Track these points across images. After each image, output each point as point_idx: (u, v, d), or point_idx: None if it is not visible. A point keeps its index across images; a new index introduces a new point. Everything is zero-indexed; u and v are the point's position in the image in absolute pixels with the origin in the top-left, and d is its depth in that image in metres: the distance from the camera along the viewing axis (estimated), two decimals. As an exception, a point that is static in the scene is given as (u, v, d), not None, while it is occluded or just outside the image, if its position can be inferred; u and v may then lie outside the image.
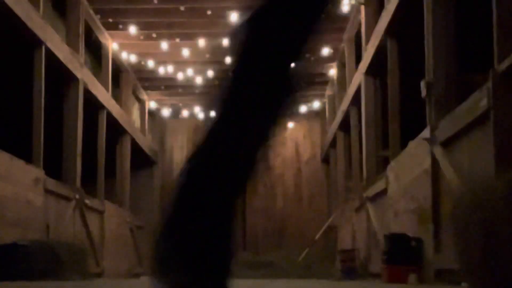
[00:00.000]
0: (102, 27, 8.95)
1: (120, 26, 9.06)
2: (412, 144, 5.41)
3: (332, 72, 10.97)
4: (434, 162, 4.71)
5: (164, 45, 9.60)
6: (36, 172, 6.15)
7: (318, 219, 12.70)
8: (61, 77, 7.42)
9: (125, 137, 10.60)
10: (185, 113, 13.30)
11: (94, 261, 8.20)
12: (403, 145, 5.92)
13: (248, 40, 1.25)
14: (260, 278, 9.11)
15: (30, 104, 6.36)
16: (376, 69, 7.41)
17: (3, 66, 7.52)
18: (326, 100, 12.32)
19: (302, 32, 1.30)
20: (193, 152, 1.21)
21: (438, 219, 4.67)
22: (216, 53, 10.17)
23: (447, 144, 4.48)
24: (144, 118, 12.38)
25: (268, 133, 1.21)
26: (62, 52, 7.04)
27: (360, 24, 8.07)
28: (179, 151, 13.62)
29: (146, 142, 12.15)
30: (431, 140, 4.73)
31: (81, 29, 7.84)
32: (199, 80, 11.20)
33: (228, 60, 10.18)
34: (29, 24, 6.05)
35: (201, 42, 9.49)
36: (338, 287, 5.00)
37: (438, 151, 4.61)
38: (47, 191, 6.46)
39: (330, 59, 10.50)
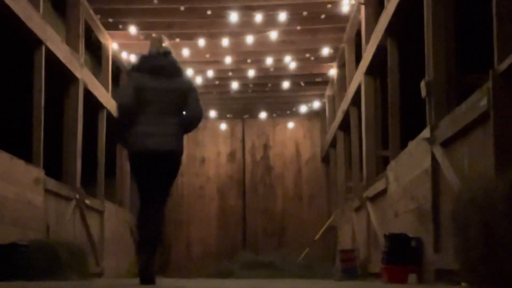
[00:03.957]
0: (102, 27, 8.95)
1: (120, 26, 9.06)
2: (412, 144, 5.41)
3: (332, 72, 10.98)
4: (434, 162, 4.71)
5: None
6: (36, 172, 6.15)
7: (318, 219, 12.71)
8: (61, 77, 7.42)
9: (125, 137, 10.59)
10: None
11: (94, 261, 8.20)
12: (403, 145, 5.92)
13: None
14: (260, 278, 9.11)
15: (30, 104, 6.36)
16: (376, 69, 7.41)
17: (3, 66, 7.52)
18: (326, 100, 12.33)
19: None
20: None
21: (438, 219, 4.68)
22: (216, 53, 10.18)
23: (447, 144, 4.48)
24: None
25: None
26: (62, 52, 7.05)
27: (360, 24, 8.07)
28: (179, 151, 13.61)
29: (146, 142, 12.15)
30: (431, 140, 4.73)
31: (81, 29, 7.84)
32: (199, 80, 11.20)
33: (227, 60, 10.22)
34: (29, 24, 6.05)
35: (201, 42, 9.49)
36: (338, 287, 5.00)
37: (438, 151, 4.61)
38: (47, 191, 6.46)
39: (330, 59, 10.50)
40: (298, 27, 9.27)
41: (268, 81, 11.74)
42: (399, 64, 6.39)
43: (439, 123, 4.64)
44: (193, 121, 5.20)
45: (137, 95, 5.03)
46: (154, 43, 5.33)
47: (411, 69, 6.09)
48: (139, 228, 5.11)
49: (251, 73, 10.96)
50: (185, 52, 9.88)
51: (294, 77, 11.40)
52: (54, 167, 7.08)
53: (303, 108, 13.17)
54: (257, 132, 13.73)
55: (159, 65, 5.14)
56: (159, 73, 5.11)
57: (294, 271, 10.33)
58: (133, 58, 10.15)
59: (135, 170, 5.21)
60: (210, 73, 11.02)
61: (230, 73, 11.25)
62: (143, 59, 5.24)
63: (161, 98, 5.07)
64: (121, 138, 5.36)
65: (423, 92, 4.89)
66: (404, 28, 6.25)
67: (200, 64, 10.69)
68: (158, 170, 5.07)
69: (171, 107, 5.10)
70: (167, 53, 5.24)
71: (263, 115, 13.53)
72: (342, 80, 10.12)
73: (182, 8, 8.59)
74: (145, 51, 5.46)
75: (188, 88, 5.17)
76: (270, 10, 8.71)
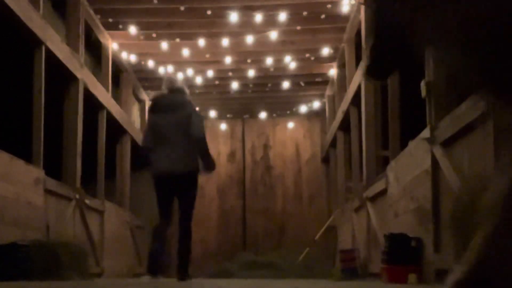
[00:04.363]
0: (102, 27, 8.96)
1: (120, 26, 9.06)
2: (412, 144, 5.41)
3: (332, 72, 10.98)
4: (434, 162, 4.71)
5: (164, 45, 9.60)
6: (36, 172, 6.15)
7: (318, 219, 12.70)
8: (61, 77, 7.42)
9: (125, 137, 10.60)
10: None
11: (94, 261, 8.20)
12: (403, 145, 5.92)
13: None
14: (260, 278, 9.11)
15: (30, 104, 6.36)
16: (376, 69, 7.39)
17: (3, 66, 7.52)
18: (326, 100, 12.33)
19: None
20: None
21: (438, 219, 4.68)
22: (216, 53, 10.18)
23: (447, 144, 4.48)
24: (144, 118, 12.38)
25: None
26: (62, 52, 7.04)
27: (360, 24, 8.07)
28: (179, 151, 13.60)
29: (146, 142, 12.15)
30: (431, 140, 4.73)
31: (81, 29, 7.84)
32: (199, 80, 11.20)
33: (227, 60, 10.22)
34: (29, 24, 6.05)
35: (201, 42, 9.49)
36: (338, 287, 5.00)
37: (438, 151, 4.61)
38: (47, 191, 6.46)
39: (330, 59, 10.50)
40: (298, 27, 9.27)
41: (268, 81, 11.74)
42: (399, 64, 6.37)
43: (439, 123, 4.64)
44: (198, 144, 6.16)
45: (154, 132, 6.24)
46: (166, 83, 6.54)
47: (411, 69, 6.08)
48: (153, 241, 6.16)
49: (251, 73, 10.97)
50: (185, 52, 9.88)
51: (294, 77, 11.40)
52: (54, 167, 7.08)
53: (303, 108, 13.17)
54: (257, 132, 13.73)
55: (167, 103, 6.27)
56: (169, 110, 6.21)
57: (294, 271, 10.34)
58: (133, 58, 10.16)
59: (158, 190, 6.26)
60: (210, 73, 11.02)
61: (230, 73, 11.25)
62: (155, 100, 6.45)
63: (172, 130, 6.16)
64: (146, 165, 6.42)
65: (423, 92, 4.89)
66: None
67: (200, 64, 10.69)
68: (177, 189, 6.16)
69: (182, 135, 6.15)
70: (177, 91, 6.38)
71: (263, 115, 13.54)
72: (342, 80, 10.12)
73: (182, 8, 8.59)
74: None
75: (190, 113, 6.19)
76: (270, 10, 8.71)
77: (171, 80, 6.61)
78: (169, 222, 6.26)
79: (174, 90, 6.38)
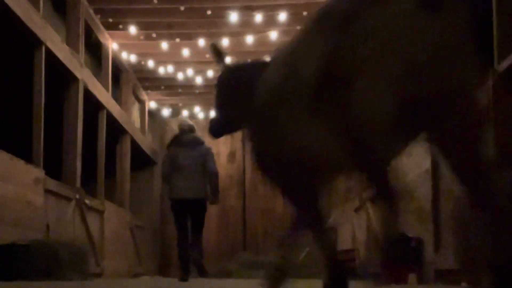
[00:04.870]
0: (102, 27, 8.95)
1: (120, 26, 9.05)
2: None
3: (332, 72, 10.95)
4: (434, 162, 4.71)
5: (164, 45, 9.60)
6: (36, 172, 6.15)
7: (318, 219, 12.68)
8: (61, 77, 7.42)
9: (125, 137, 10.60)
10: (185, 113, 13.29)
11: (94, 261, 8.20)
12: (403, 145, 5.91)
13: None
14: (260, 278, 9.10)
15: (30, 104, 6.36)
16: (376, 69, 7.39)
17: (3, 66, 7.53)
18: (326, 100, 12.30)
19: None
20: None
21: (438, 219, 4.67)
22: (216, 53, 10.17)
23: (447, 144, 4.47)
24: (144, 118, 12.39)
25: None
26: (62, 52, 7.04)
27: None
28: (179, 151, 13.58)
29: (146, 142, 12.16)
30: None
31: (81, 29, 7.84)
32: (199, 80, 11.20)
33: (228, 60, 10.20)
34: (29, 24, 6.05)
35: (201, 42, 9.49)
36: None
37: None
38: (47, 191, 6.46)
39: (330, 59, 10.48)
40: (298, 27, 9.26)
41: (268, 81, 11.72)
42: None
43: (439, 123, 4.63)
44: (212, 177, 7.51)
45: (174, 162, 7.54)
46: (181, 124, 7.83)
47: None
48: (179, 249, 7.60)
49: (251, 73, 10.95)
50: (185, 52, 9.87)
51: (294, 77, 11.38)
52: (54, 167, 7.08)
53: (303, 108, 13.15)
54: (257, 132, 13.71)
55: (186, 140, 7.59)
56: (187, 146, 7.55)
57: (294, 271, 10.33)
58: (133, 58, 10.16)
59: (175, 211, 7.61)
60: (210, 73, 11.02)
61: (230, 73, 11.24)
62: (176, 137, 7.75)
63: (189, 162, 7.50)
64: (165, 190, 7.83)
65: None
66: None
67: (200, 64, 10.68)
68: (191, 211, 7.55)
69: (197, 167, 7.50)
70: (191, 130, 7.71)
71: (263, 115, 13.51)
72: (342, 80, 10.09)
73: (182, 8, 8.59)
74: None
75: (206, 153, 7.57)
76: (270, 10, 8.71)
77: (184, 121, 7.92)
78: (186, 234, 7.61)
79: (190, 129, 7.70)
